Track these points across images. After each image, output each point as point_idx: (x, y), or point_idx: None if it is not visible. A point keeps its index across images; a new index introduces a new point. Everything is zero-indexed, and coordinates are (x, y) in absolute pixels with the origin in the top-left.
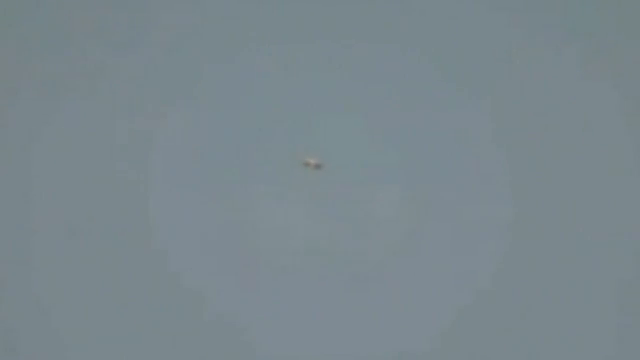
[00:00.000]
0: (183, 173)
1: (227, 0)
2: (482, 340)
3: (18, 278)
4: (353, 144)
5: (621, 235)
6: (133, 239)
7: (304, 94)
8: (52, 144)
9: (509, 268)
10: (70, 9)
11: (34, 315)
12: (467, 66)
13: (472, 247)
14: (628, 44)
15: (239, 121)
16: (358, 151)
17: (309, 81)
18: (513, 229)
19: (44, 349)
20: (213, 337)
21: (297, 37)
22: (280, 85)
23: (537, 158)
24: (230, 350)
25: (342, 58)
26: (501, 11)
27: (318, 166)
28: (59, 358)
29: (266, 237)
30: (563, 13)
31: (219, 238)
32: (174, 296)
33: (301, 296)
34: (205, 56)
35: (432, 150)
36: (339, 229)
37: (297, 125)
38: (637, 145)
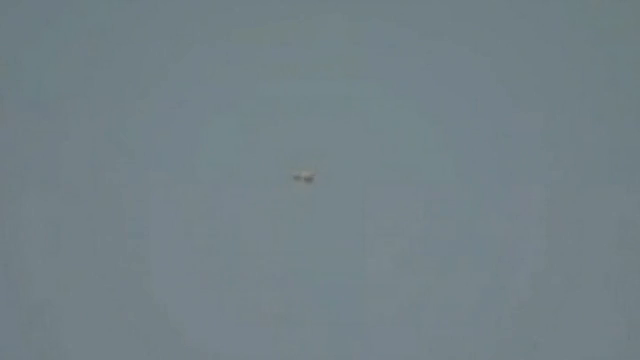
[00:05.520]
0: (181, 174)
1: (225, 0)
2: (483, 345)
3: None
4: (348, 147)
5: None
6: (125, 241)
7: (300, 96)
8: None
9: (509, 271)
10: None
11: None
12: (466, 68)
13: (471, 251)
14: None
15: (232, 125)
16: (353, 154)
17: (307, 83)
18: (513, 229)
19: None
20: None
21: (294, 42)
22: (277, 87)
23: (536, 161)
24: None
25: (339, 59)
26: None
27: (309, 179)
28: None
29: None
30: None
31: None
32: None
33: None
34: (199, 57)
35: (432, 152)
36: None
37: (290, 129)
38: None
